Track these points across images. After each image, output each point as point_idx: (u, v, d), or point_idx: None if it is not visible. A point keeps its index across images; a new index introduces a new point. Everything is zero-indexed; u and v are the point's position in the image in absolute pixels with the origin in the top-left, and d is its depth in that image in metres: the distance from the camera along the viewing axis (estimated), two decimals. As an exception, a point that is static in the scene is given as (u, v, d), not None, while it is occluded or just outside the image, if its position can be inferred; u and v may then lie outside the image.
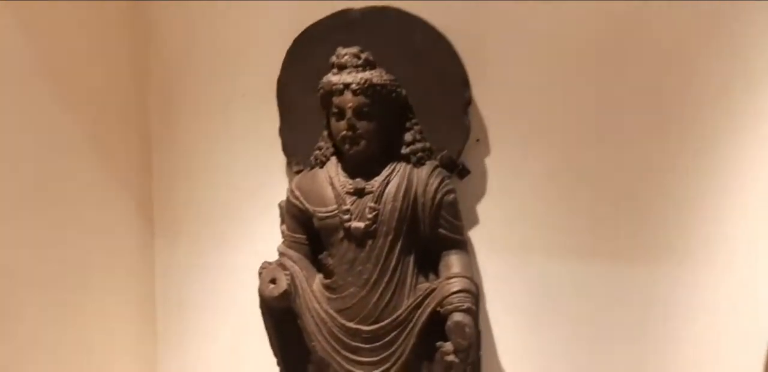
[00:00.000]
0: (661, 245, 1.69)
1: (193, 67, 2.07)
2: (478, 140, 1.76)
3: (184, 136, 2.11)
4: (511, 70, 1.74)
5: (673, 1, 1.61)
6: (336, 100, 1.62)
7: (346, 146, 1.64)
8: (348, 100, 1.61)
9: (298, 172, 1.84)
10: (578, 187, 1.75)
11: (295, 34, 1.82)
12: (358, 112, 1.61)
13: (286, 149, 1.88)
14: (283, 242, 1.80)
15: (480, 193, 1.80)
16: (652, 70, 1.66)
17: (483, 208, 1.81)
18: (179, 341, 2.17)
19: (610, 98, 1.70)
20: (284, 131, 1.87)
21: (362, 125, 1.62)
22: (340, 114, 1.63)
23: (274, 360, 1.86)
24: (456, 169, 1.73)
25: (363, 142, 1.63)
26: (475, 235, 1.80)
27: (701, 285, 1.68)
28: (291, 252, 1.76)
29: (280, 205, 1.85)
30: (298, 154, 1.85)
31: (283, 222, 1.82)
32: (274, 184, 1.96)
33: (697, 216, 1.68)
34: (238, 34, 1.98)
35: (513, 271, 1.79)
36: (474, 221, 1.80)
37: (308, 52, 1.79)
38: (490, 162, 1.79)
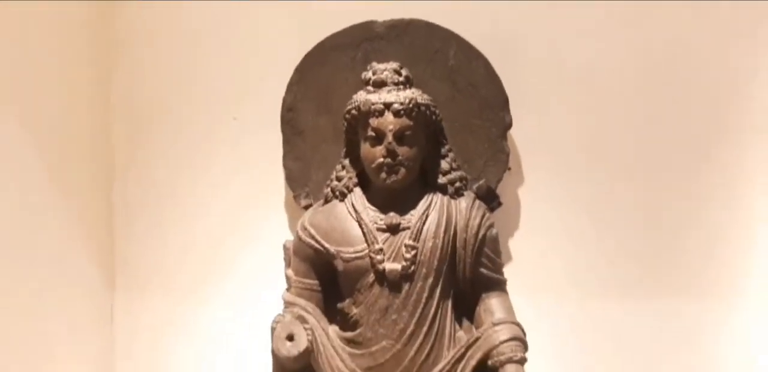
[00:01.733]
0: (697, 282, 1.62)
1: (171, 84, 1.77)
2: (509, 169, 1.61)
3: (154, 165, 1.78)
4: (547, 96, 1.62)
5: (714, 33, 1.57)
6: (374, 121, 1.40)
7: (383, 175, 1.42)
8: (389, 121, 1.40)
9: (306, 208, 1.60)
10: (612, 220, 1.64)
11: (302, 47, 1.59)
12: (400, 136, 1.41)
13: (292, 180, 1.62)
14: (289, 289, 1.53)
15: (512, 227, 1.65)
16: (690, 102, 1.61)
17: (514, 244, 1.65)
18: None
19: (648, 130, 1.63)
20: (289, 159, 1.62)
21: (403, 151, 1.41)
22: (378, 138, 1.41)
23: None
24: (494, 200, 1.56)
25: (402, 171, 1.42)
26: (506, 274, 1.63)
27: (737, 322, 1.61)
28: (301, 301, 1.50)
29: (285, 246, 1.59)
30: (307, 186, 1.61)
31: (288, 265, 1.56)
32: (270, 222, 1.71)
33: (736, 251, 1.61)
34: (230, 47, 1.72)
35: (545, 313, 1.63)
36: (505, 258, 1.63)
37: (321, 70, 1.57)
38: (522, 193, 1.65)
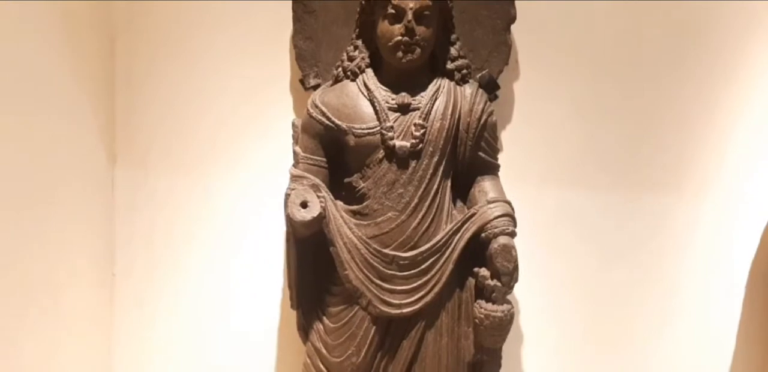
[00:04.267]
0: (672, 176, 1.80)
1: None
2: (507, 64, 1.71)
3: (158, 41, 1.75)
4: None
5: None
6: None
7: (399, 54, 1.49)
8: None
9: (314, 88, 1.65)
10: (598, 117, 1.78)
11: None
12: (419, 16, 1.46)
13: (302, 59, 1.65)
14: (297, 165, 1.60)
15: (506, 119, 1.76)
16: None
17: (506, 135, 1.77)
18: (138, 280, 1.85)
19: (637, 35, 1.74)
20: (299, 39, 1.65)
21: (420, 31, 1.47)
22: (397, 16, 1.47)
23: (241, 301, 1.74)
24: (495, 90, 1.66)
25: (418, 51, 1.49)
26: (496, 161, 1.76)
27: (698, 218, 1.82)
28: (309, 176, 1.57)
29: (293, 124, 1.65)
30: (316, 67, 1.65)
31: (296, 143, 1.63)
32: (275, 102, 1.75)
33: (710, 149, 1.79)
34: None
35: (529, 199, 1.76)
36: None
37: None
38: (518, 88, 1.75)
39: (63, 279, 1.62)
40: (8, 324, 1.43)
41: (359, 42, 1.57)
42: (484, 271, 1.57)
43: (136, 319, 1.80)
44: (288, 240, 1.57)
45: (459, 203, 1.66)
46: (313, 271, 1.61)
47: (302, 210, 1.49)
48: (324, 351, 1.59)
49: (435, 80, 1.56)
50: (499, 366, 1.66)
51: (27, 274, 1.50)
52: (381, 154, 1.54)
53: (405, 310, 1.55)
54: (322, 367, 1.59)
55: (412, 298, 1.55)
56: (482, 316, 1.54)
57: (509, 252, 1.53)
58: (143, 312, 1.80)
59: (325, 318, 1.60)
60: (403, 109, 1.53)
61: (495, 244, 1.52)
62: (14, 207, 1.45)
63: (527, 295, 1.78)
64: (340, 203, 1.59)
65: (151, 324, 1.79)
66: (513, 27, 1.66)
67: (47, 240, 1.57)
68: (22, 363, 1.48)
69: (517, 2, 1.64)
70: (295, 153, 1.62)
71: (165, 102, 1.76)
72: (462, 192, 1.65)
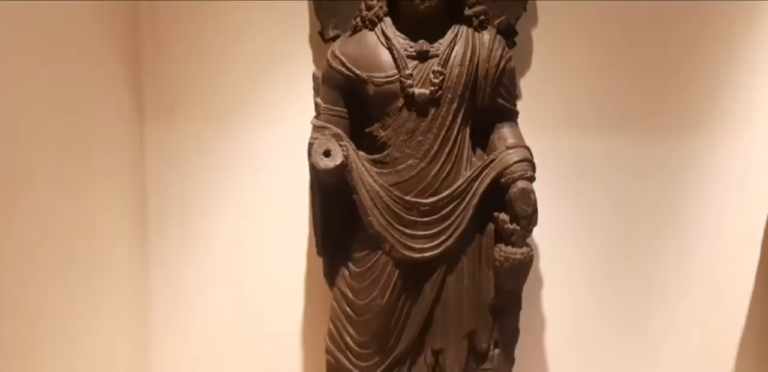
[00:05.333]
0: (691, 124, 1.79)
1: None
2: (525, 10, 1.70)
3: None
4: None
5: None
6: None
7: (416, 1, 1.50)
8: None
9: (333, 39, 1.67)
10: (620, 65, 1.77)
11: None
12: None
13: (320, 11, 1.67)
14: (318, 116, 1.63)
15: (524, 66, 1.76)
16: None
17: (524, 82, 1.77)
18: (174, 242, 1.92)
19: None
20: (317, -9, 1.66)
21: None
22: None
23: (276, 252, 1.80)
24: (513, 37, 1.66)
25: None
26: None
27: (720, 161, 1.82)
28: (331, 126, 1.60)
29: (314, 75, 1.67)
30: (334, 17, 1.66)
31: (317, 94, 1.65)
32: (296, 54, 1.77)
33: (733, 96, 1.78)
34: None
35: (549, 146, 1.77)
36: (514, 94, 1.76)
37: None
38: (536, 35, 1.75)
39: (99, 227, 1.69)
40: (52, 266, 1.51)
41: (377, -10, 1.58)
42: (503, 216, 1.61)
43: (172, 264, 1.87)
44: (312, 188, 1.62)
45: (479, 151, 1.68)
46: (338, 218, 1.66)
47: (325, 158, 1.54)
48: (350, 294, 1.65)
49: (453, 27, 1.57)
50: (519, 308, 1.71)
51: (66, 224, 1.57)
52: (400, 102, 1.56)
53: (426, 255, 1.60)
54: (348, 309, 1.65)
55: (434, 243, 1.60)
56: (502, 258, 1.59)
57: (528, 196, 1.56)
58: (177, 257, 1.87)
59: (350, 263, 1.65)
60: (422, 56, 1.55)
61: (514, 189, 1.56)
62: (50, 160, 1.51)
63: (547, 240, 1.81)
64: (361, 153, 1.62)
65: (185, 268, 1.86)
66: (531, -27, 1.66)
67: (83, 190, 1.63)
68: (70, 301, 1.56)
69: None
70: (316, 104, 1.65)
71: (189, 55, 1.79)
72: (482, 141, 1.67)
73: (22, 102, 1.41)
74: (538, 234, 1.72)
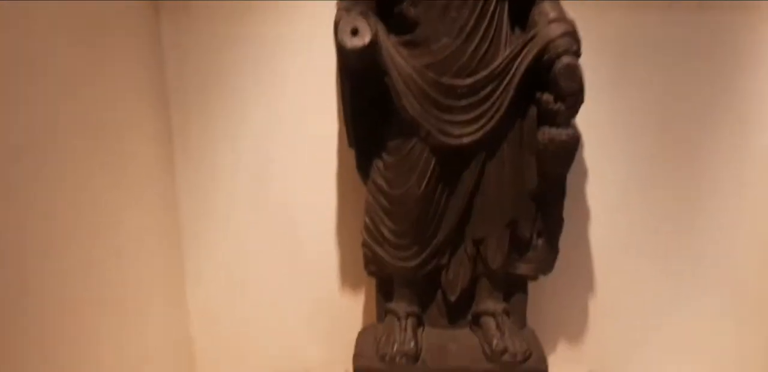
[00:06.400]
0: None
1: None
2: None
3: None
4: None
5: None
6: None
7: None
8: None
9: None
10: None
11: None
12: None
13: None
14: (343, -1, 1.52)
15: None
16: None
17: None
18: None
19: None
20: None
21: None
22: None
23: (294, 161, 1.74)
24: None
25: None
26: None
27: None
28: (357, 4, 1.48)
29: (338, -45, 1.54)
30: None
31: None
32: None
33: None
34: None
35: (593, 21, 1.63)
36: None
37: None
38: None
39: (121, 120, 1.62)
40: (81, 174, 1.47)
41: None
42: (547, 96, 1.50)
43: (198, 164, 1.81)
44: (341, 73, 1.52)
45: (517, 31, 1.56)
46: (368, 105, 1.56)
47: (354, 37, 1.42)
48: (385, 186, 1.58)
49: None
50: (564, 196, 1.64)
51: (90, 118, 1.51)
52: (430, -26, 1.43)
53: (465, 140, 1.51)
54: (384, 202, 1.59)
55: (472, 128, 1.51)
56: (546, 140, 1.49)
57: (573, 71, 1.44)
58: (203, 155, 1.81)
59: (383, 154, 1.58)
60: (454, -75, 1.40)
61: (559, 64, 1.44)
62: (71, 55, 1.44)
63: (592, 125, 1.69)
64: (391, 36, 1.50)
65: (213, 164, 1.80)
66: None
67: (103, 81, 1.55)
68: (100, 220, 1.52)
69: None
70: (340, -16, 1.53)
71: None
72: (521, 21, 1.54)
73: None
74: (582, 119, 1.59)
